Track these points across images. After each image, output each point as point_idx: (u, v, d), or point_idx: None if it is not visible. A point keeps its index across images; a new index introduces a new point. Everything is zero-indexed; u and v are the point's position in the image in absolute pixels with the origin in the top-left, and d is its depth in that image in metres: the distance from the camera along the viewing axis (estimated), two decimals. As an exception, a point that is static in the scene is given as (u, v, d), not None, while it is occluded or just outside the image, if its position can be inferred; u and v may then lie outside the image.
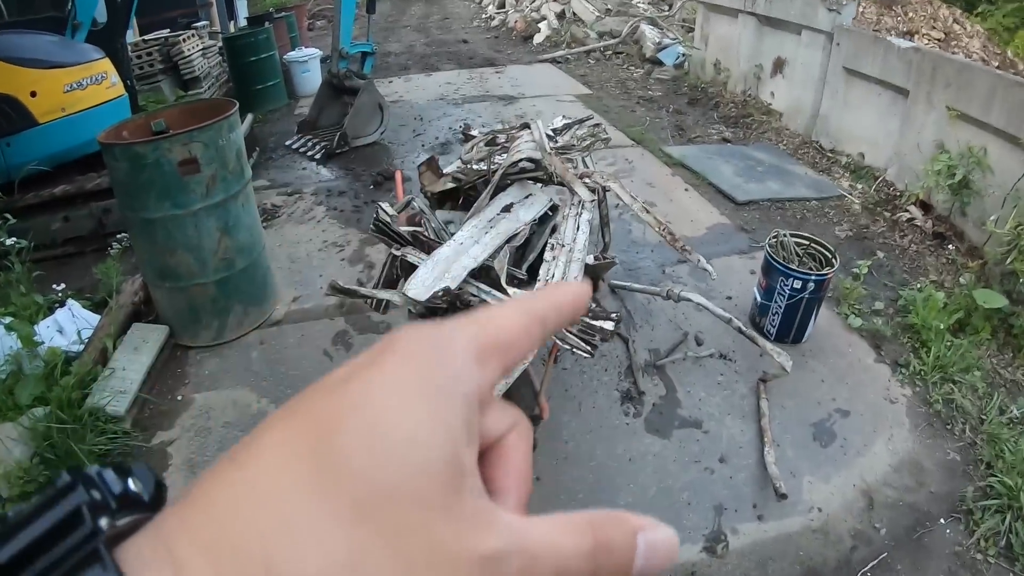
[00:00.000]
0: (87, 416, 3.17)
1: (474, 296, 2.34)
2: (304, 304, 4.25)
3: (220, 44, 7.81)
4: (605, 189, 3.10)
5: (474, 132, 3.61)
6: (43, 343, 3.53)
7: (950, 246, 5.20)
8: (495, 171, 2.81)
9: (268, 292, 4.11)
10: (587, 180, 3.03)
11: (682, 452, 3.32)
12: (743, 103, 7.61)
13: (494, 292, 2.37)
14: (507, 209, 2.75)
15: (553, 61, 9.67)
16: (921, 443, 3.53)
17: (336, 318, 4.10)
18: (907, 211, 5.53)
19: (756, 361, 3.91)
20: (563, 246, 2.60)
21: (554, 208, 2.92)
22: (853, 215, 5.66)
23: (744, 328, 3.49)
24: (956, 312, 4.25)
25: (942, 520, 3.16)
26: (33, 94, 4.43)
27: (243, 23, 8.91)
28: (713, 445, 3.37)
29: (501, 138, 3.29)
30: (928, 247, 5.23)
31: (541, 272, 2.47)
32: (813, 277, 3.77)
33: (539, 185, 2.98)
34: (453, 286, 2.27)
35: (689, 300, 3.51)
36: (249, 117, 6.32)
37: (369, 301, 2.58)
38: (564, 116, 3.77)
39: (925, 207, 5.45)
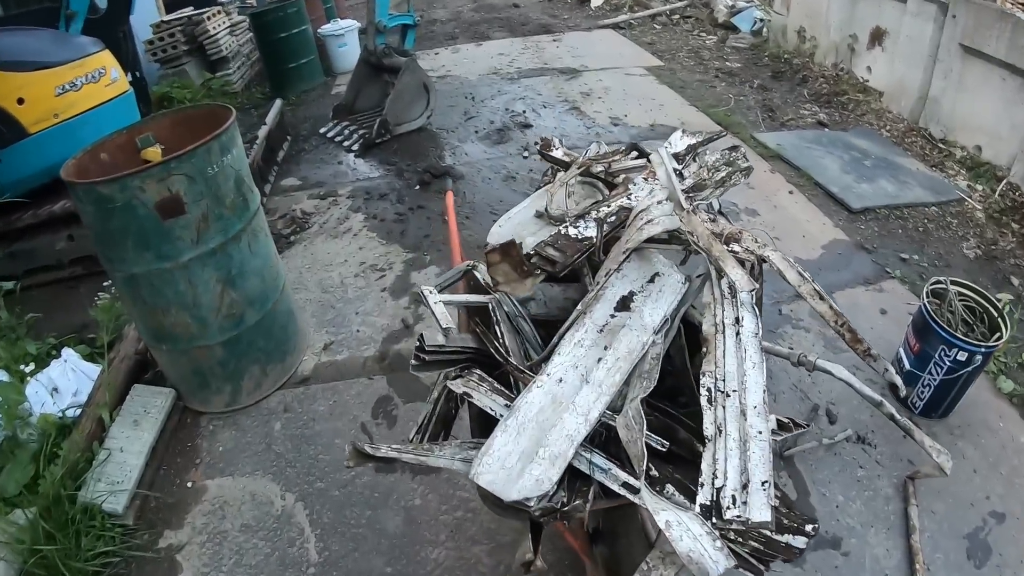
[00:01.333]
0: (80, 516, 2.50)
1: (587, 479, 1.47)
2: (337, 354, 3.40)
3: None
4: (761, 261, 2.05)
5: (556, 151, 2.54)
6: (32, 414, 2.84)
7: None
8: (618, 251, 1.80)
9: (292, 343, 3.29)
10: (737, 249, 2.00)
11: None
12: (835, 78, 6.39)
13: (626, 478, 1.46)
14: (625, 304, 1.79)
15: (615, 27, 8.39)
16: None
17: (376, 377, 3.27)
18: (1040, 225, 4.42)
19: (900, 445, 3.05)
20: (725, 393, 1.61)
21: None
22: (977, 225, 4.56)
23: (897, 415, 2.49)
24: None
25: None
26: (20, 101, 3.65)
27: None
28: (853, 572, 2.56)
29: (598, 168, 2.27)
30: None
31: (704, 466, 1.44)
32: (983, 349, 2.86)
33: (662, 255, 1.98)
34: (555, 476, 1.39)
35: (828, 372, 2.50)
36: (277, 104, 5.36)
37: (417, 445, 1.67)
38: (684, 131, 2.64)
39: None
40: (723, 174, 2.38)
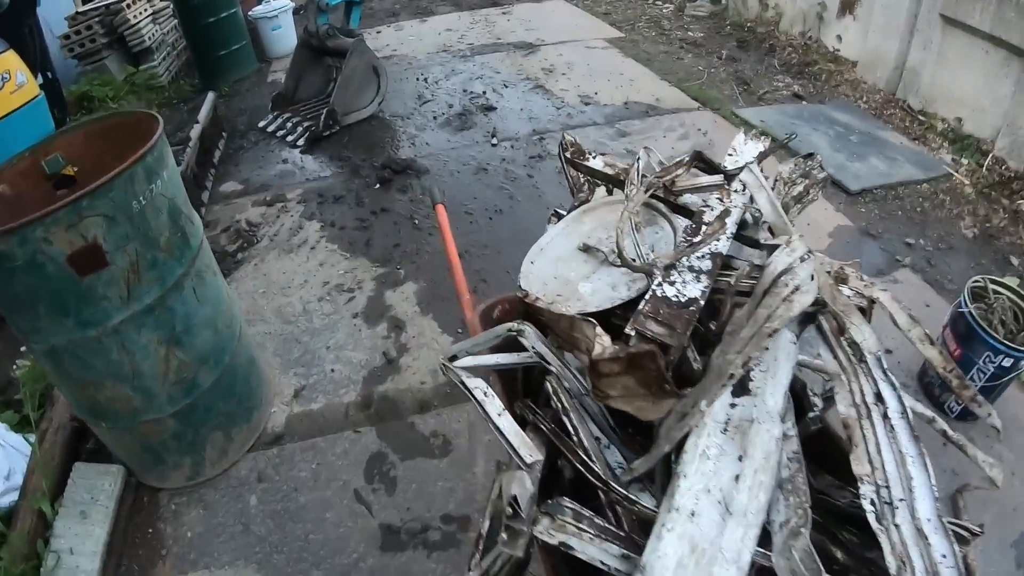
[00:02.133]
0: None
1: None
2: (312, 402, 2.87)
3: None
4: (872, 302, 1.69)
5: (593, 159, 2.00)
6: None
7: None
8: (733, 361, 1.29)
9: (257, 396, 2.75)
10: (847, 292, 1.63)
11: None
12: (803, 48, 6.08)
13: None
14: (744, 386, 1.33)
15: (567, -3, 7.81)
16: None
17: (362, 429, 2.76)
18: (1026, 200, 4.27)
19: (941, 456, 2.78)
20: (891, 505, 1.22)
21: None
22: (969, 202, 4.37)
23: (950, 431, 2.19)
24: None
25: None
26: None
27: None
28: None
29: (657, 184, 1.77)
30: None
31: None
32: None
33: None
34: None
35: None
36: (210, 98, 4.61)
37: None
38: (746, 134, 2.13)
39: None
40: (800, 188, 1.98)
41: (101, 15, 5.21)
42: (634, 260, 1.51)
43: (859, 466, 1.29)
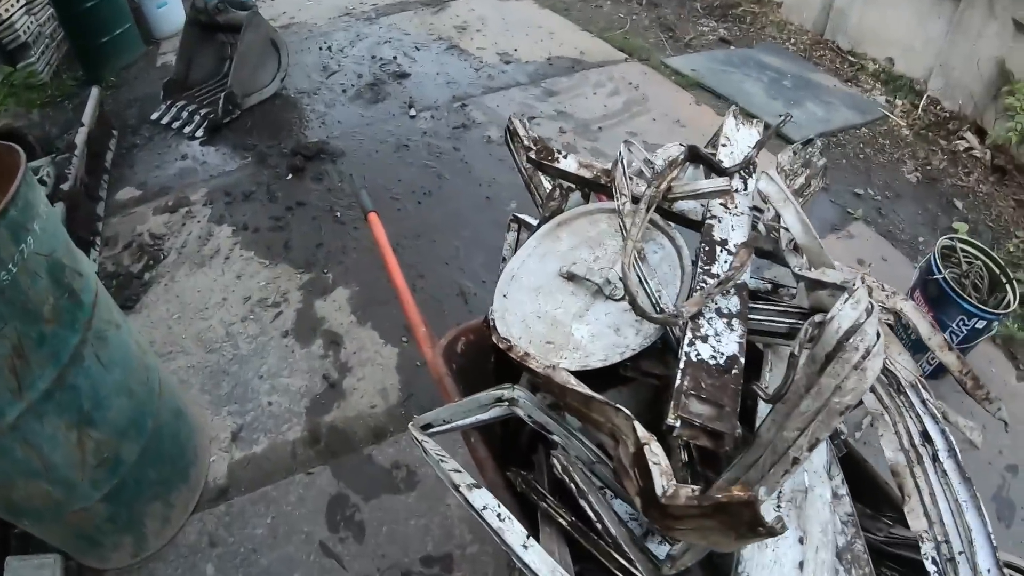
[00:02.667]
0: None
1: None
2: (254, 444, 2.56)
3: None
4: (897, 315, 1.53)
5: (564, 160, 1.64)
6: None
7: (1014, 183, 4.13)
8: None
9: (191, 451, 2.42)
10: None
11: None
12: (725, -12, 5.87)
13: None
14: None
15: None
16: None
17: (315, 469, 2.46)
18: (964, 139, 4.34)
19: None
20: (952, 560, 1.12)
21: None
22: (908, 145, 4.39)
23: (931, 400, 2.15)
24: None
25: None
26: None
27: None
28: None
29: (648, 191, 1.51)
30: (994, 186, 4.13)
31: None
32: (1000, 316, 2.70)
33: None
34: None
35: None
36: (93, 94, 3.95)
37: None
38: (735, 115, 1.90)
39: (979, 132, 4.34)
40: (801, 179, 1.78)
41: (-34, 12, 4.39)
42: (653, 306, 1.27)
43: (916, 521, 1.18)
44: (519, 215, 1.93)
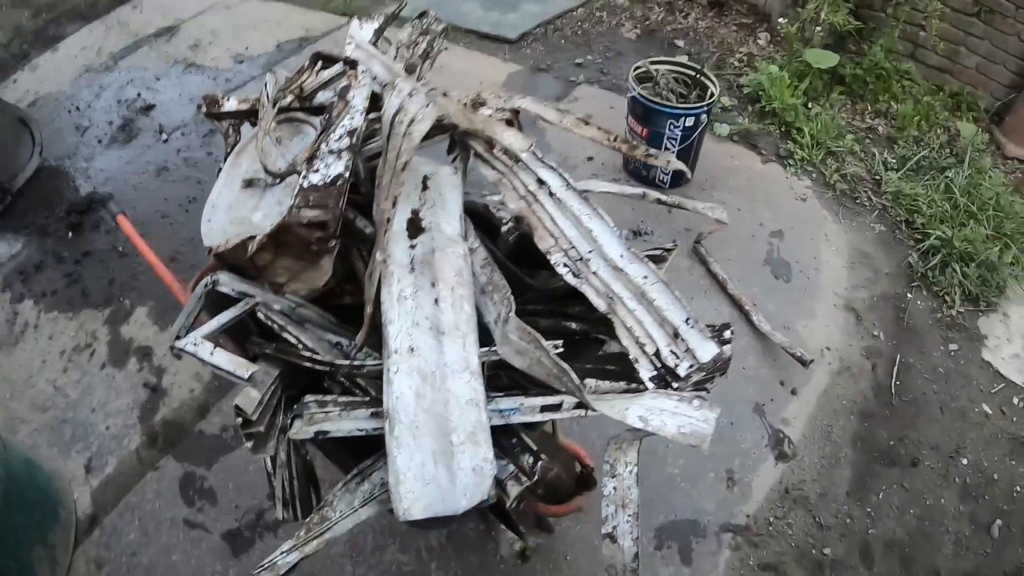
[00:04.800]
0: None
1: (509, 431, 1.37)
2: (106, 467, 2.73)
3: None
4: (516, 114, 1.83)
5: (227, 103, 1.94)
6: None
7: (732, 12, 4.78)
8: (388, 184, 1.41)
9: (52, 495, 2.56)
10: (486, 111, 1.77)
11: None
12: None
13: (549, 401, 1.32)
14: (416, 227, 1.49)
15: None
16: (849, 229, 3.33)
17: (161, 462, 2.66)
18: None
19: (670, 222, 3.31)
20: (584, 260, 1.43)
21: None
22: (625, 10, 4.92)
23: (664, 196, 2.53)
24: (801, 83, 3.91)
25: (909, 295, 3.06)
26: None
27: None
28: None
29: (289, 98, 1.81)
30: (713, 20, 4.76)
31: (625, 341, 1.30)
32: (705, 108, 3.11)
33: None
34: (489, 454, 1.21)
35: (589, 191, 2.45)
36: None
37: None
38: (359, 18, 2.13)
39: None
40: (424, 45, 2.10)
41: None
42: (280, 168, 1.58)
43: (543, 242, 1.47)
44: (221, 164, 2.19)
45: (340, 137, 1.53)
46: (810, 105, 3.85)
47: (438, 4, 4.89)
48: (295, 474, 1.42)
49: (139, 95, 4.90)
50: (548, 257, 1.44)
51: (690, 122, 3.07)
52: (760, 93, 3.86)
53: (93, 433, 2.82)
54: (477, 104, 1.78)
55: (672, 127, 3.09)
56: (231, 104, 1.94)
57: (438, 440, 1.18)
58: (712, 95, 3.13)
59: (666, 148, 3.18)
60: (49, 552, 2.37)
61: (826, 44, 4.03)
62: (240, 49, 5.14)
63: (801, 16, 4.00)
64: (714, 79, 3.21)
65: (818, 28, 3.96)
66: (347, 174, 1.43)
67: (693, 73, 3.28)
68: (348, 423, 1.34)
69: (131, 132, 4.56)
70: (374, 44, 1.97)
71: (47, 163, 4.49)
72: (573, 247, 1.46)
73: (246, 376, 1.32)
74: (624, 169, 3.56)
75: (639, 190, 2.41)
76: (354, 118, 1.57)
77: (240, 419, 1.25)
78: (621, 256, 1.42)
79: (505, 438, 1.33)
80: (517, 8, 4.90)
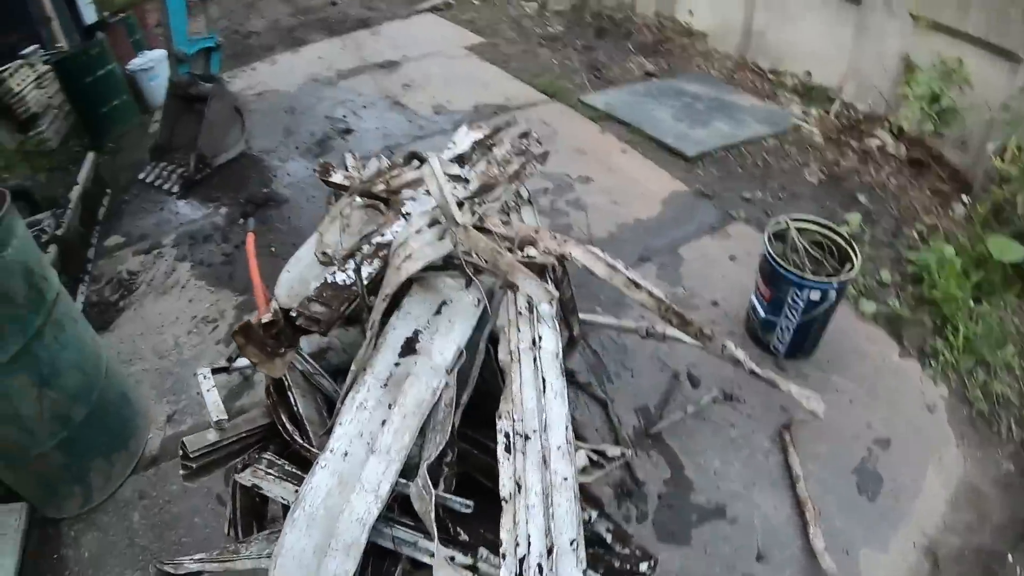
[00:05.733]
0: None
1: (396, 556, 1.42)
2: (181, 424, 3.17)
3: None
4: (562, 261, 1.95)
5: (335, 175, 2.33)
6: None
7: (931, 174, 4.43)
8: (377, 298, 1.64)
9: (131, 427, 3.05)
10: (533, 252, 1.90)
11: (710, 559, 2.50)
12: (658, 27, 6.53)
13: (424, 543, 1.40)
14: (410, 347, 1.62)
15: (434, 9, 8.16)
16: (971, 459, 2.90)
17: (224, 442, 3.02)
18: (875, 137, 4.70)
19: (770, 394, 3.07)
20: (525, 436, 1.47)
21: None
22: (817, 149, 4.80)
23: (757, 369, 2.50)
24: (975, 273, 3.50)
25: (1011, 558, 2.61)
26: None
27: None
28: (745, 537, 2.57)
29: (379, 187, 2.10)
30: (909, 179, 4.46)
31: (504, 533, 1.32)
32: (835, 285, 2.89)
33: (449, 277, 1.83)
34: (351, 568, 1.28)
35: (679, 340, 2.48)
36: (89, 159, 4.86)
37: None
38: (469, 125, 2.53)
39: (894, 130, 4.61)
40: (516, 166, 2.25)
41: (-17, 87, 5.40)
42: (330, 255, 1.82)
43: (504, 404, 1.53)
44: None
45: (374, 245, 1.74)
46: (979, 301, 3.42)
47: (631, 106, 5.21)
48: (237, 506, 1.63)
49: (344, 117, 5.63)
50: (497, 421, 1.50)
51: (815, 296, 2.89)
52: (924, 275, 3.53)
53: (186, 393, 3.28)
54: (527, 242, 1.88)
55: (795, 297, 2.94)
56: (338, 177, 2.27)
57: (322, 537, 1.31)
58: (851, 270, 2.92)
59: (785, 317, 3.03)
60: (108, 468, 2.87)
61: (1018, 233, 3.57)
62: (443, 101, 5.70)
63: (994, 195, 3.60)
64: (856, 252, 2.98)
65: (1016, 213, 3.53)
66: (362, 283, 1.62)
67: (841, 240, 3.08)
68: (278, 489, 1.50)
69: (325, 148, 5.25)
70: (472, 154, 2.22)
71: (249, 151, 5.30)
72: (523, 421, 1.50)
73: (213, 419, 1.57)
74: (744, 326, 3.40)
75: (739, 354, 2.35)
76: (380, 239, 1.77)
77: (181, 452, 1.49)
78: (558, 448, 1.46)
79: (390, 561, 1.42)
80: (708, 125, 4.96)
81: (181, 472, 1.57)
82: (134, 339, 3.69)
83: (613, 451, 1.71)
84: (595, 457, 1.66)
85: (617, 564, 1.42)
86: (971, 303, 3.40)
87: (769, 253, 3.01)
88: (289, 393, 1.68)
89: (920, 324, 3.41)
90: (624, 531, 1.54)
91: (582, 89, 5.65)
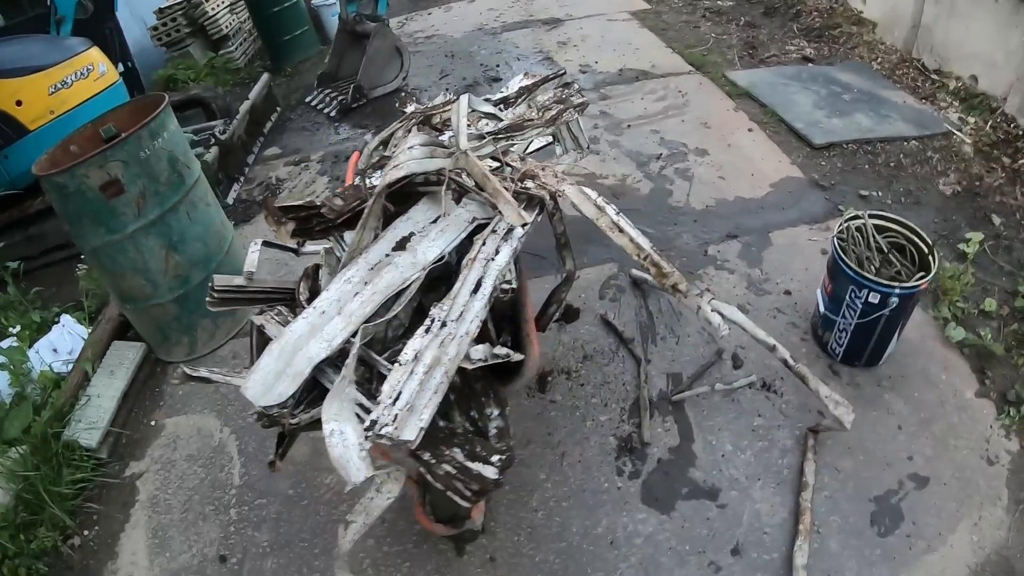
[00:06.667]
0: (62, 451, 2.83)
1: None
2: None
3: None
4: (555, 196, 2.04)
5: (409, 107, 2.76)
6: (33, 372, 3.20)
7: None
8: (372, 196, 1.87)
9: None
10: (530, 185, 2.05)
11: (683, 535, 2.39)
12: (828, 11, 5.87)
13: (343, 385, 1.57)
14: (402, 245, 1.83)
15: (612, -32, 7.92)
16: (1019, 531, 2.40)
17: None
18: (1032, 158, 4.00)
19: (811, 395, 2.80)
20: (443, 323, 1.63)
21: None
22: (963, 160, 4.17)
23: (791, 361, 2.34)
24: None
25: None
26: (19, 103, 3.91)
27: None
28: (728, 527, 2.41)
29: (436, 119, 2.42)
30: None
31: (385, 387, 1.50)
32: (897, 291, 2.55)
33: (457, 197, 2.03)
34: (290, 390, 1.54)
35: (720, 314, 2.35)
36: (263, 79, 5.40)
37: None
38: (527, 73, 2.76)
39: None
40: (554, 112, 2.39)
41: (184, 8, 6.15)
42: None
43: (446, 299, 1.69)
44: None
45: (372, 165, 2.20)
46: None
47: (774, 87, 4.85)
48: (253, 342, 1.95)
49: (497, 66, 5.72)
50: (431, 309, 1.66)
51: (874, 299, 2.56)
52: (1037, 316, 3.05)
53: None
54: (528, 176, 2.04)
55: (853, 296, 2.62)
56: (409, 108, 2.61)
57: (283, 365, 1.56)
58: (922, 279, 2.55)
59: (843, 317, 2.74)
60: (213, 328, 3.36)
61: None
62: (591, 60, 5.57)
63: None
64: (935, 264, 2.58)
65: None
66: (365, 191, 1.93)
67: (925, 249, 2.70)
68: (275, 331, 1.82)
69: (473, 92, 5.39)
70: (516, 98, 2.41)
71: (405, 88, 5.61)
72: (449, 311, 1.66)
73: (245, 269, 2.07)
74: (811, 320, 3.10)
75: (770, 341, 2.28)
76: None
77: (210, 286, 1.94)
78: (462, 336, 1.60)
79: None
80: (847, 116, 4.45)
81: (207, 300, 1.93)
82: (267, 233, 4.12)
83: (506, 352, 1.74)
84: (500, 353, 1.70)
85: (478, 449, 1.54)
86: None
87: (835, 243, 2.72)
88: (319, 272, 1.96)
89: (1012, 367, 2.92)
90: (507, 430, 1.69)
91: (731, 65, 5.27)
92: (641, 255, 1.92)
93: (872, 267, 2.74)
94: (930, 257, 2.67)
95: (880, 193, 3.89)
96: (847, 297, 2.68)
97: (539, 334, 3.04)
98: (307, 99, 5.68)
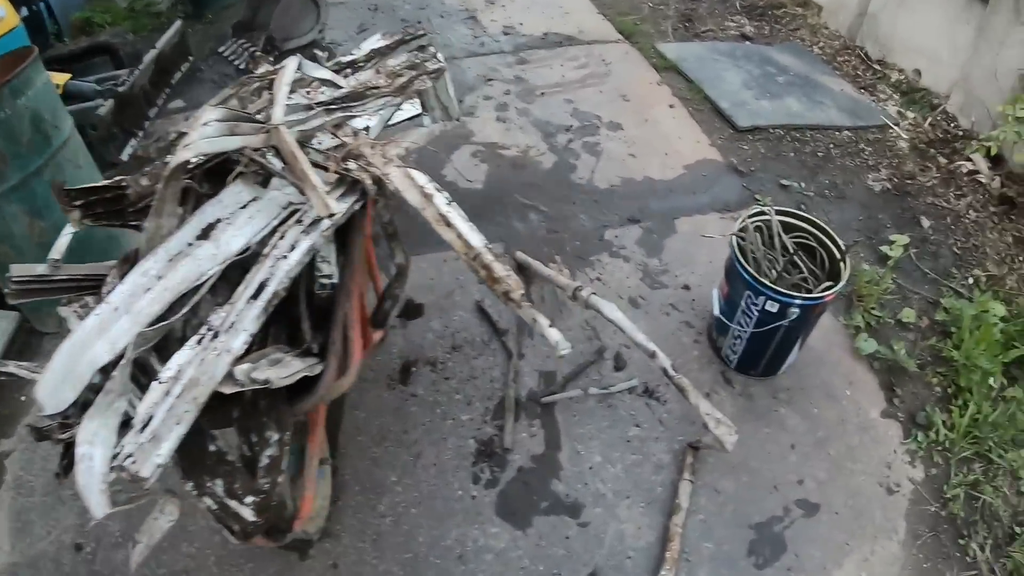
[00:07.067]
0: None
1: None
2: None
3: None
4: (379, 182, 1.69)
5: (261, 67, 2.22)
6: None
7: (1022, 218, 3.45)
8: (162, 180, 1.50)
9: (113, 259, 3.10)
10: (352, 167, 1.69)
11: (538, 554, 2.07)
12: (777, -11, 5.49)
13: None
14: (206, 233, 1.52)
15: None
16: (912, 568, 2.14)
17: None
18: (969, 160, 3.71)
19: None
20: (216, 334, 1.35)
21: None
22: (897, 156, 3.87)
23: (671, 371, 1.99)
24: (1021, 347, 2.63)
25: None
26: None
27: None
28: (587, 548, 2.09)
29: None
30: (992, 216, 3.48)
31: (140, 408, 1.25)
32: (798, 301, 2.21)
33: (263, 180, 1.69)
34: (70, 398, 1.33)
35: (598, 311, 2.01)
36: (175, 26, 4.77)
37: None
38: (384, 33, 2.47)
39: (994, 158, 3.61)
40: (406, 79, 2.01)
41: (102, -54, 5.50)
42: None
43: (228, 303, 1.43)
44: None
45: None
46: (1013, 383, 2.58)
47: (704, 62, 4.40)
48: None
49: (419, 22, 5.22)
50: (212, 314, 1.42)
51: (772, 307, 2.22)
52: (953, 329, 2.75)
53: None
54: (352, 156, 1.70)
55: (750, 302, 2.28)
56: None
57: (70, 368, 1.34)
58: (826, 291, 2.24)
59: (738, 323, 2.40)
60: None
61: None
62: (516, 22, 5.08)
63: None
64: (846, 270, 2.27)
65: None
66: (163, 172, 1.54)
67: (837, 254, 2.37)
68: (76, 325, 1.48)
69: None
70: (365, 62, 2.17)
71: (322, 41, 5.07)
72: (227, 317, 1.40)
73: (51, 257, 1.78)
74: (709, 320, 2.74)
75: (650, 347, 1.94)
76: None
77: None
78: (229, 352, 1.34)
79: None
80: (779, 98, 4.09)
81: (6, 292, 1.67)
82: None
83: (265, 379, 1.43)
84: (259, 379, 1.39)
85: (236, 486, 1.36)
86: (997, 382, 2.55)
87: (733, 244, 2.36)
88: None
89: (926, 385, 2.63)
90: (279, 461, 1.41)
91: (663, 36, 4.84)
92: (470, 255, 1.57)
93: (774, 270, 2.41)
94: (841, 264, 2.35)
95: (803, 184, 3.56)
96: (743, 303, 2.35)
97: (406, 328, 2.68)
98: (220, 49, 5.10)
